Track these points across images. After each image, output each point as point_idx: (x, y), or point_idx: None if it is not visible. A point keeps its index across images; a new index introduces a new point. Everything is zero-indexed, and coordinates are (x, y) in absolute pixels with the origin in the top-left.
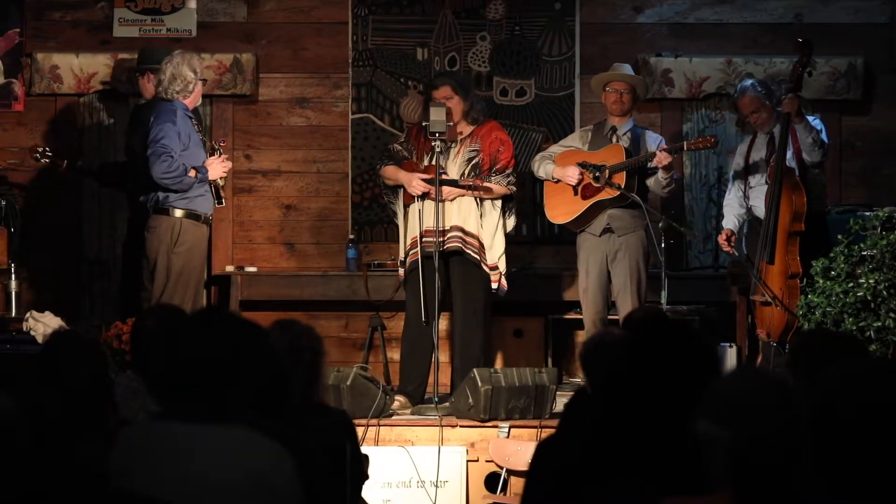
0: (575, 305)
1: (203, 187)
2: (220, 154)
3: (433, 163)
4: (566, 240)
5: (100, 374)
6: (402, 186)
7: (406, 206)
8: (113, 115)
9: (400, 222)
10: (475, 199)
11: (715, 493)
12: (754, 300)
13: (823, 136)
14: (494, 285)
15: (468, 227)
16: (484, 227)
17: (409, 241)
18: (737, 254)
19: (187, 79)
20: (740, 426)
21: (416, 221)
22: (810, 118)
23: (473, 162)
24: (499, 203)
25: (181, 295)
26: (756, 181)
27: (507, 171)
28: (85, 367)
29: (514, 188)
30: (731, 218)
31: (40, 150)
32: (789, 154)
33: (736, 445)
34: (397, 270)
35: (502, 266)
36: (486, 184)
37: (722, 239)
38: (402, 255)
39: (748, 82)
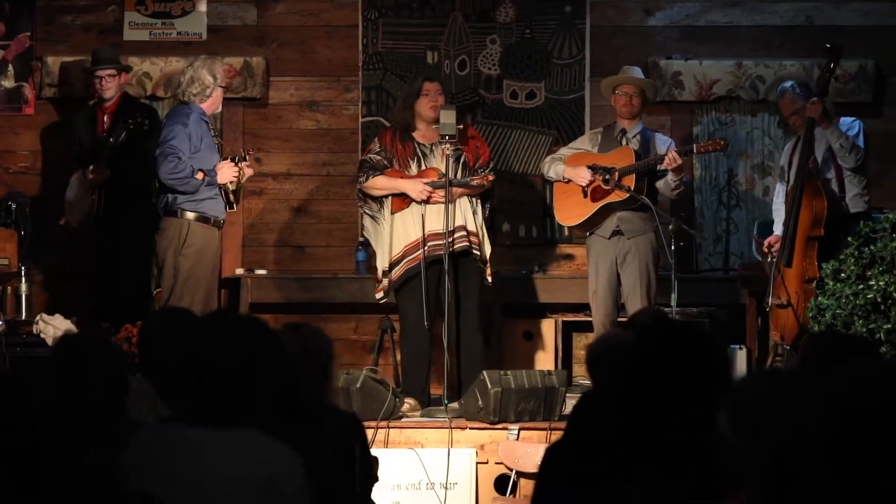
0: (584, 308)
1: (213, 190)
2: (243, 161)
3: (423, 167)
4: (576, 242)
5: (117, 378)
6: (389, 195)
7: (393, 214)
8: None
9: (384, 232)
10: (468, 197)
11: (731, 495)
12: (770, 303)
13: (860, 140)
14: (489, 279)
15: (469, 226)
16: (477, 223)
17: (402, 248)
18: (772, 260)
19: (205, 83)
20: (760, 425)
21: (412, 227)
22: (848, 120)
23: (462, 161)
24: (480, 199)
25: (189, 297)
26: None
27: (490, 167)
28: (103, 369)
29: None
30: (781, 225)
31: None
32: (826, 155)
33: (755, 444)
34: (381, 281)
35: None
36: (487, 179)
37: (766, 246)
38: (386, 264)
39: (788, 84)
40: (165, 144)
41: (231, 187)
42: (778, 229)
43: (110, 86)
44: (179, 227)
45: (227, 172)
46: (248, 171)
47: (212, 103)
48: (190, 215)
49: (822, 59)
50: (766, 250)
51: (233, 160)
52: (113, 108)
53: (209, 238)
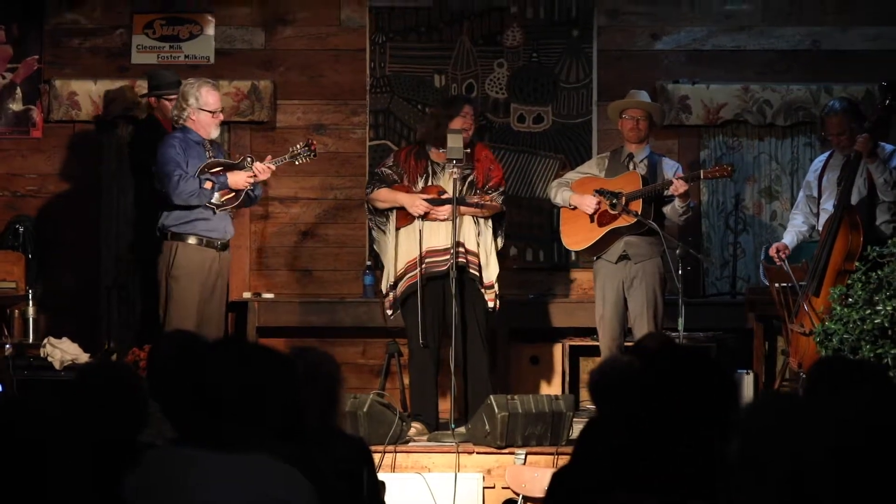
0: (591, 332)
1: (207, 212)
2: (255, 163)
3: (429, 184)
4: (583, 267)
5: (139, 409)
6: (394, 209)
7: (397, 230)
8: (131, 141)
9: (389, 246)
10: (473, 217)
11: None
12: (792, 329)
13: None
14: (490, 304)
15: (469, 246)
16: (480, 245)
17: (404, 265)
18: (786, 267)
19: (182, 105)
20: (770, 452)
21: (413, 243)
22: (889, 147)
23: (469, 181)
24: (490, 222)
25: (179, 320)
26: (827, 203)
27: (501, 189)
28: (127, 401)
29: (504, 207)
30: (791, 235)
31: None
32: (861, 182)
33: (764, 470)
34: (387, 296)
35: (497, 286)
36: (487, 199)
37: (773, 250)
38: (392, 279)
39: (838, 104)
40: (163, 169)
41: (248, 186)
42: (787, 237)
43: (160, 109)
44: (169, 250)
45: (240, 177)
46: (270, 167)
47: (196, 125)
48: (178, 237)
49: (830, 84)
50: (773, 253)
51: (241, 167)
52: None
53: (200, 260)
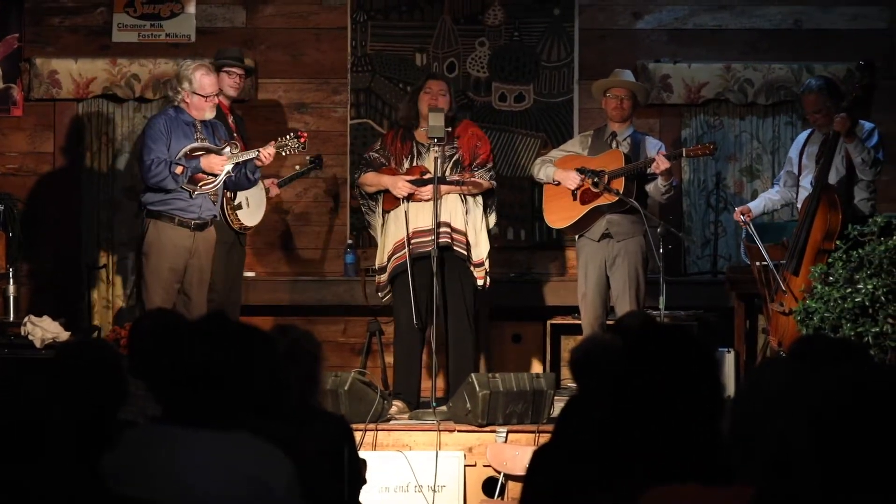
0: (574, 310)
1: (184, 193)
2: (227, 154)
3: (414, 165)
4: (565, 245)
5: (119, 387)
6: (381, 192)
7: (386, 213)
8: (112, 120)
9: (378, 229)
10: (460, 195)
11: (735, 485)
12: (772, 308)
13: (880, 154)
14: (480, 282)
15: (455, 224)
16: (469, 223)
17: (392, 246)
18: (751, 230)
19: (176, 87)
20: (757, 429)
21: (400, 224)
22: (868, 126)
23: (454, 159)
24: (480, 199)
25: (147, 298)
26: (805, 180)
27: (489, 166)
28: (106, 379)
29: (495, 183)
30: (760, 201)
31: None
32: (840, 160)
33: (752, 448)
34: (375, 277)
35: (487, 263)
36: (472, 178)
37: (737, 214)
38: (382, 261)
39: (814, 82)
40: (140, 152)
41: (225, 170)
42: (755, 202)
43: (240, 85)
44: (142, 228)
45: (214, 161)
46: (273, 150)
47: (189, 108)
48: (153, 216)
49: (811, 63)
50: (737, 217)
51: (220, 153)
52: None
53: (172, 238)
